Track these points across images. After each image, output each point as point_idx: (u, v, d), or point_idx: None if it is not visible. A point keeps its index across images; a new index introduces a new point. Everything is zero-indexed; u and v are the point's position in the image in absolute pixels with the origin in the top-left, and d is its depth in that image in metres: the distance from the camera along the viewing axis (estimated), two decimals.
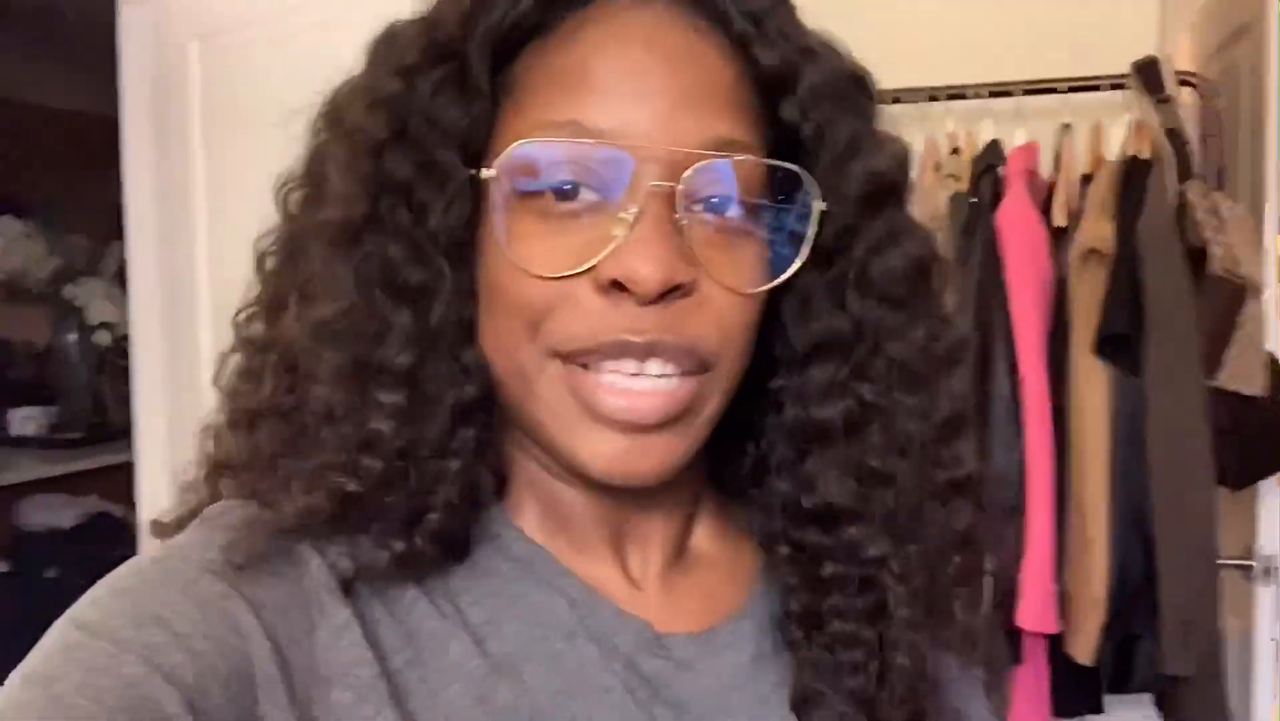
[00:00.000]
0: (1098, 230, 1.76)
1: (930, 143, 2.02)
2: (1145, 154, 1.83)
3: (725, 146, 0.53)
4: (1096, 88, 1.93)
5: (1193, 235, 1.75)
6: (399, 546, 0.54)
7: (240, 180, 2.17)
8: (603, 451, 0.54)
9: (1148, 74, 1.87)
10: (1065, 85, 1.94)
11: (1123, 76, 1.90)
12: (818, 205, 0.56)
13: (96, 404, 4.44)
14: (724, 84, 0.54)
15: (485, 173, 0.54)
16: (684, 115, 0.53)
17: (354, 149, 0.55)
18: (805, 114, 0.56)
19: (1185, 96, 1.99)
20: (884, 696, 0.59)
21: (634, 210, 0.52)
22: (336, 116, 0.58)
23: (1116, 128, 1.92)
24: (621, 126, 0.52)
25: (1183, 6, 2.41)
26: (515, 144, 0.53)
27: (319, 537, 0.54)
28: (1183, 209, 1.77)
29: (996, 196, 1.87)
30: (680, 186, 0.52)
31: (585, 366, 0.53)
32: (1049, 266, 1.82)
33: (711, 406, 0.56)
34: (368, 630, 0.53)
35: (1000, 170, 1.91)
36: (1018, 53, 2.12)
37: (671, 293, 0.52)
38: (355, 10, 1.96)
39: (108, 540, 3.81)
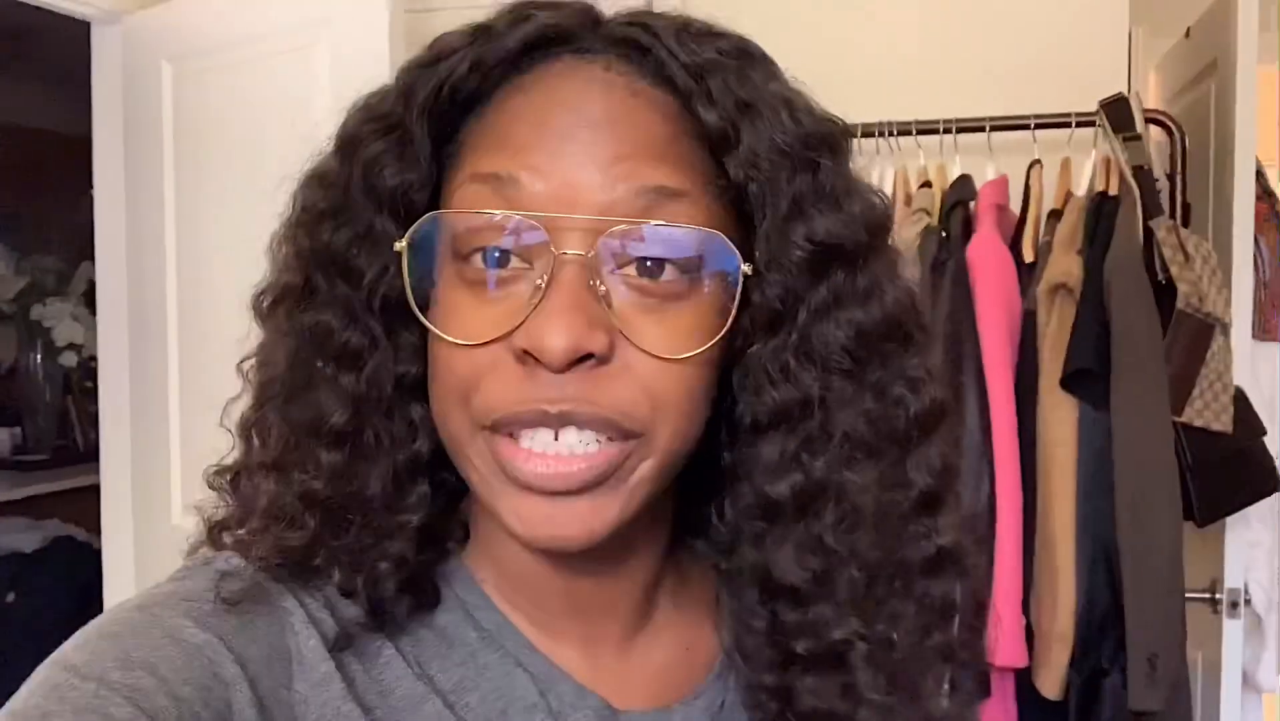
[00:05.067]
0: (1065, 265, 1.78)
1: (901, 176, 2.03)
2: (1113, 190, 1.85)
3: (661, 195, 0.52)
4: (1066, 124, 1.95)
5: (1160, 271, 1.77)
6: (366, 599, 0.56)
7: (210, 202, 2.16)
8: (526, 516, 0.53)
9: (1116, 112, 1.89)
10: (1035, 121, 1.95)
11: (1092, 114, 1.92)
12: (743, 268, 0.54)
13: (62, 426, 4.39)
14: (660, 139, 0.54)
15: (398, 245, 0.54)
16: (607, 172, 0.52)
17: (296, 222, 0.58)
18: (749, 174, 0.55)
19: (1153, 134, 2.02)
20: None
21: (545, 277, 0.51)
22: (294, 193, 0.60)
23: (1085, 164, 1.93)
24: (541, 186, 0.52)
25: (1151, 46, 2.45)
26: (426, 215, 0.54)
27: (302, 590, 0.56)
28: (1149, 245, 1.79)
29: (967, 230, 1.88)
30: (593, 254, 0.51)
31: (510, 436, 0.53)
32: (1018, 300, 1.83)
33: (643, 473, 0.54)
34: (346, 685, 0.54)
35: (970, 204, 1.92)
36: (988, 88, 2.14)
37: (583, 361, 0.51)
38: (326, 35, 1.97)
39: (70, 564, 3.75)
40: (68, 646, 0.50)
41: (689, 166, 0.54)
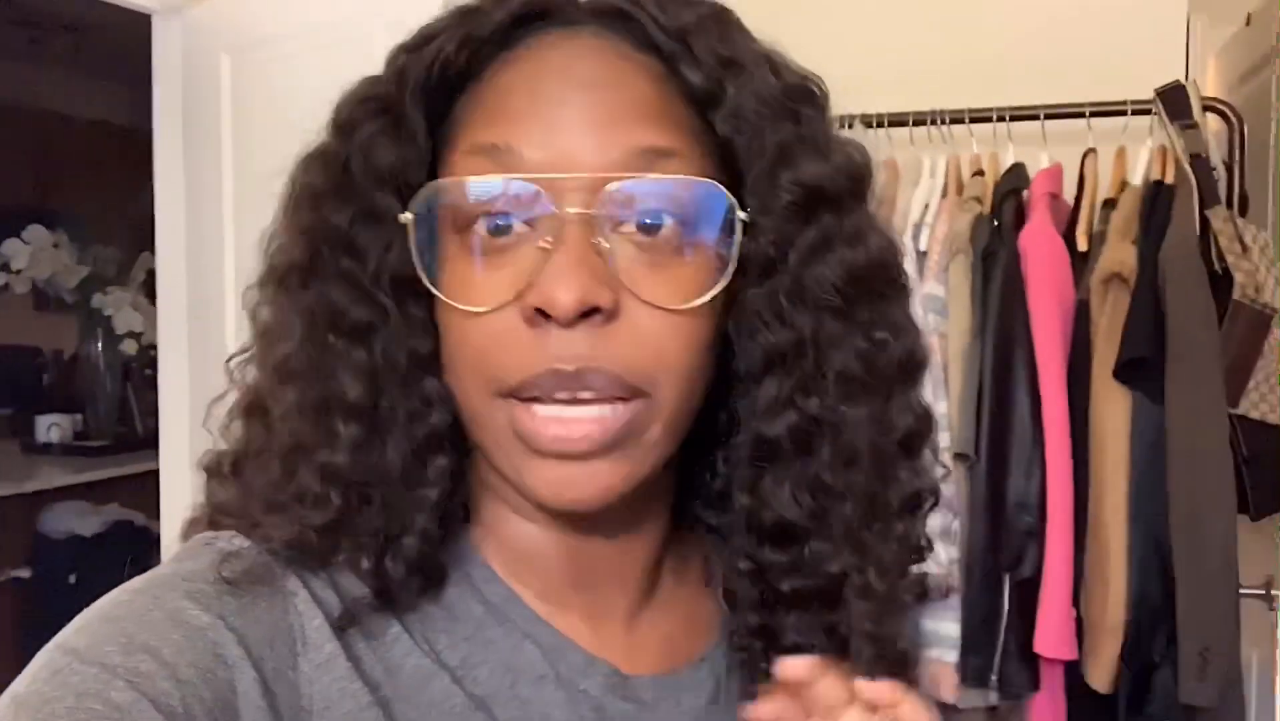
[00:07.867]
0: (1120, 254, 1.76)
1: (954, 164, 2.02)
2: (1169, 179, 1.83)
3: (653, 155, 0.54)
4: (1122, 112, 1.92)
5: (1216, 261, 1.75)
6: (378, 578, 0.56)
7: (269, 193, 2.19)
8: (546, 479, 0.54)
9: (1173, 99, 1.86)
10: (1090, 109, 1.93)
11: (1148, 102, 1.90)
12: (739, 215, 0.56)
13: (121, 412, 4.49)
14: (650, 100, 0.56)
15: (403, 216, 0.55)
16: (602, 135, 0.54)
17: (296, 200, 0.59)
18: (736, 127, 0.57)
19: (1211, 123, 1.99)
20: None
21: (550, 238, 0.52)
22: (292, 176, 0.61)
23: (1141, 153, 1.91)
24: (539, 152, 0.53)
25: (1210, 33, 2.40)
26: (428, 185, 0.55)
27: (305, 569, 0.56)
28: (1206, 235, 1.77)
29: (1019, 219, 1.87)
30: (596, 211, 0.53)
31: (527, 401, 0.54)
32: (1071, 290, 1.81)
33: (654, 432, 0.56)
34: (352, 664, 0.54)
35: (1023, 193, 1.91)
36: (1042, 76, 2.12)
37: (592, 315, 0.52)
38: (384, 26, 1.99)
39: (128, 548, 3.84)
40: (69, 630, 0.50)
41: (678, 126, 0.56)
